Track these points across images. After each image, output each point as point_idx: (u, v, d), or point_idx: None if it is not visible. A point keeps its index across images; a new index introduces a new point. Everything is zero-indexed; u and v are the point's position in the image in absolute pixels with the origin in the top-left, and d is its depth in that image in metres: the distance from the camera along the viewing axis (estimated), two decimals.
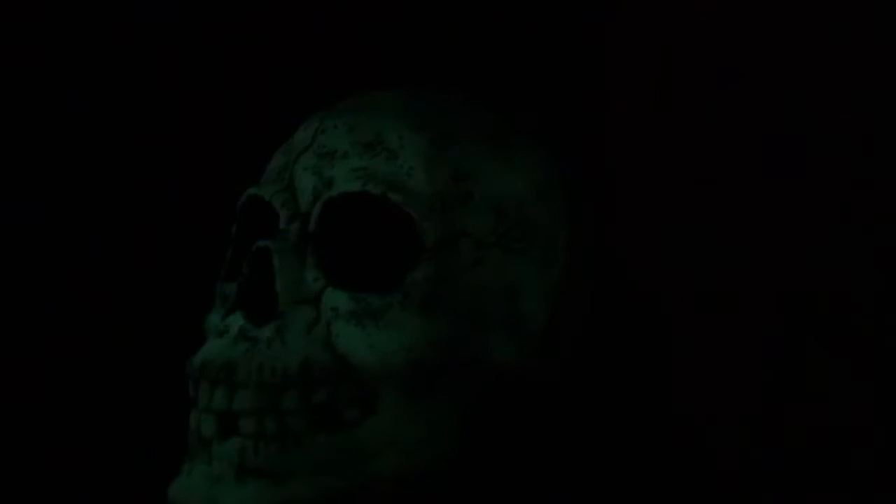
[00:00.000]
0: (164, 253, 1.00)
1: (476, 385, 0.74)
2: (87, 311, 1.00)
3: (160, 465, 0.73)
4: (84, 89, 1.01)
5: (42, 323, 1.00)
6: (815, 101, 0.89)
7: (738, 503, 0.88)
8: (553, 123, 0.82)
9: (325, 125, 0.76)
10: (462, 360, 0.73)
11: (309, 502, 0.69)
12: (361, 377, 0.70)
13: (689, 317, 0.90)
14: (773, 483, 0.88)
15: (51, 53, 1.01)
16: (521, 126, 0.80)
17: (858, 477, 0.86)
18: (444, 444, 0.73)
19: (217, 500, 0.68)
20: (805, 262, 0.89)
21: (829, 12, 0.87)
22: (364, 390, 0.71)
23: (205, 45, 1.01)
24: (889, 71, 0.86)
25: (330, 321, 0.71)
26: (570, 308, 0.77)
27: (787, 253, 0.89)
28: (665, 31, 0.93)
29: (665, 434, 0.86)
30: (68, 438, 0.99)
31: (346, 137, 0.74)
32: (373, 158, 0.73)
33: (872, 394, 0.86)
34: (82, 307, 1.00)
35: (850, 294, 0.88)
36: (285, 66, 1.00)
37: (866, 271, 0.87)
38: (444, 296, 0.72)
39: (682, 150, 0.92)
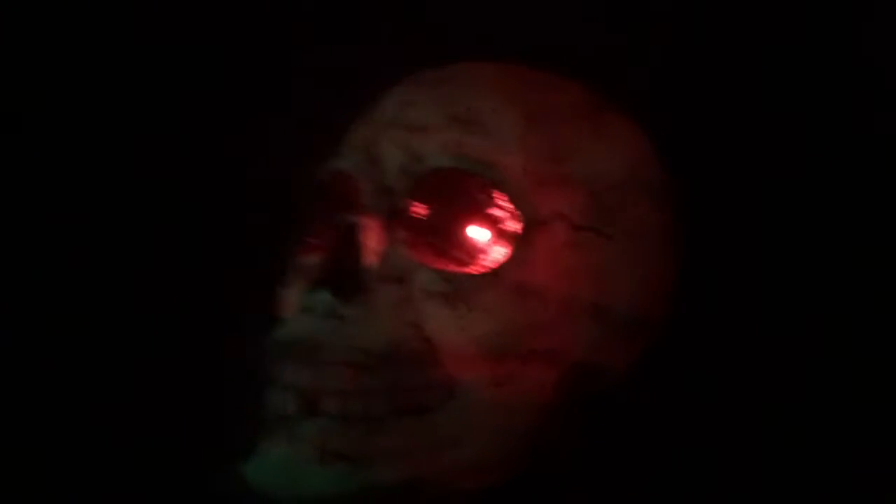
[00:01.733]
0: (235, 226, 0.97)
1: (557, 375, 0.71)
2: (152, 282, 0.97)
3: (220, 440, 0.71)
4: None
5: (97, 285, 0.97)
6: None
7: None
8: (647, 103, 0.78)
9: (412, 97, 0.73)
10: (547, 347, 0.70)
11: (389, 488, 0.67)
12: (448, 360, 0.68)
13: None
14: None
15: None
16: (614, 104, 0.77)
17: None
18: (521, 434, 0.71)
19: (300, 483, 0.66)
20: None
21: None
22: (449, 374, 0.68)
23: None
24: None
25: (419, 301, 0.68)
26: (655, 302, 0.74)
27: None
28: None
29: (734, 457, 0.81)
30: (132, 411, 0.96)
31: (436, 110, 0.71)
32: (464, 133, 0.70)
33: None
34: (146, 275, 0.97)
35: None
36: (361, 36, 0.97)
37: None
38: (536, 279, 0.69)
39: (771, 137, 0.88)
